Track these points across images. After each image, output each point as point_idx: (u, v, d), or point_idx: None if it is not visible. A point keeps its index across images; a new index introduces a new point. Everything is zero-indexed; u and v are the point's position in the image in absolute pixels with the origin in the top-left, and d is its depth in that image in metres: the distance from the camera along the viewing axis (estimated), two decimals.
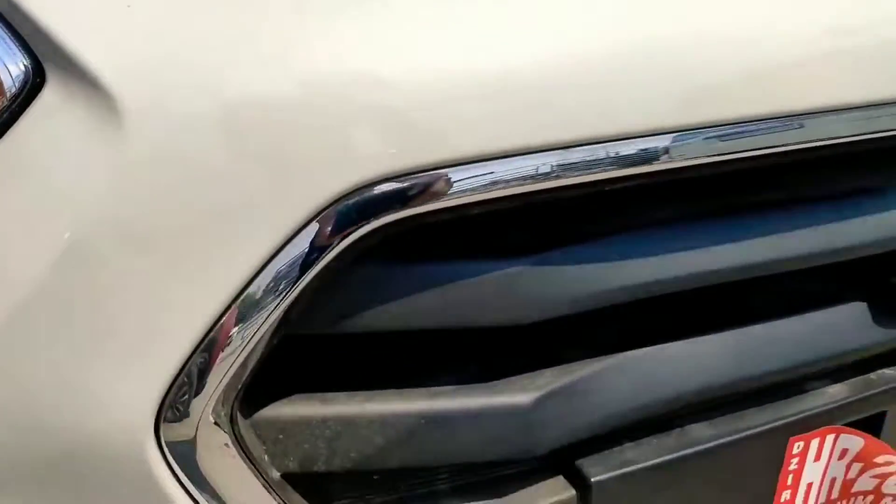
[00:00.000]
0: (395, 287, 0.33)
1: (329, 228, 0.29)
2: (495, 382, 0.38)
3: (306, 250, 0.29)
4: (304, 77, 0.30)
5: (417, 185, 0.30)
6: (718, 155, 0.36)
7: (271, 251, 0.29)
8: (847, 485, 0.51)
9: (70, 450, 0.30)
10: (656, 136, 0.34)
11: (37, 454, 0.30)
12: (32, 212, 0.29)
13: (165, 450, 0.31)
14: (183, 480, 0.31)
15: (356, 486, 0.39)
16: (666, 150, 0.35)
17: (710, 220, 0.40)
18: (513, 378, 0.39)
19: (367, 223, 0.30)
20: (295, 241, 0.29)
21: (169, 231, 0.29)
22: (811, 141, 0.38)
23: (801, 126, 0.38)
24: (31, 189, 0.29)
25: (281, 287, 0.30)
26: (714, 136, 0.36)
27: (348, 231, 0.30)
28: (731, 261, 0.40)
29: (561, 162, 0.33)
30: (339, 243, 0.30)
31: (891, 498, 0.52)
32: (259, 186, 0.29)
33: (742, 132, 0.36)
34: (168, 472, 0.31)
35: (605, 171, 0.34)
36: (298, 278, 0.30)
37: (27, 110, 0.29)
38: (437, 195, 0.31)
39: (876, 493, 0.52)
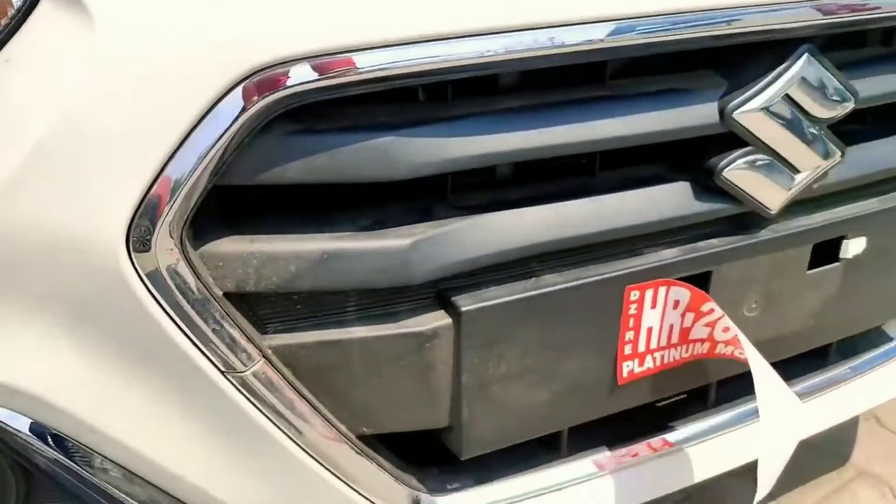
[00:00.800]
0: (299, 149, 0.47)
1: (242, 97, 0.43)
2: (382, 230, 0.52)
3: (227, 113, 0.43)
4: None
5: (308, 66, 0.43)
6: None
7: (201, 113, 0.42)
8: (684, 332, 0.65)
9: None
10: (494, 36, 0.47)
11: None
12: (34, 87, 0.42)
13: (134, 261, 0.44)
14: (147, 283, 0.45)
15: (282, 313, 0.53)
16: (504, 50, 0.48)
17: (550, 106, 0.53)
18: (398, 227, 0.52)
19: (271, 94, 0.43)
20: (219, 105, 0.42)
21: (129, 102, 0.42)
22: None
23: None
24: (33, 70, 0.42)
25: (209, 141, 0.43)
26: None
27: (256, 100, 0.43)
28: (566, 138, 0.53)
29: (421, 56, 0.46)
30: (250, 108, 0.43)
31: (723, 344, 0.66)
32: (191, 65, 0.42)
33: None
34: (136, 276, 0.44)
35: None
36: (222, 135, 0.43)
37: (31, 16, 0.42)
38: (322, 77, 0.44)
39: (710, 340, 0.66)
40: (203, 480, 0.54)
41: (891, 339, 0.86)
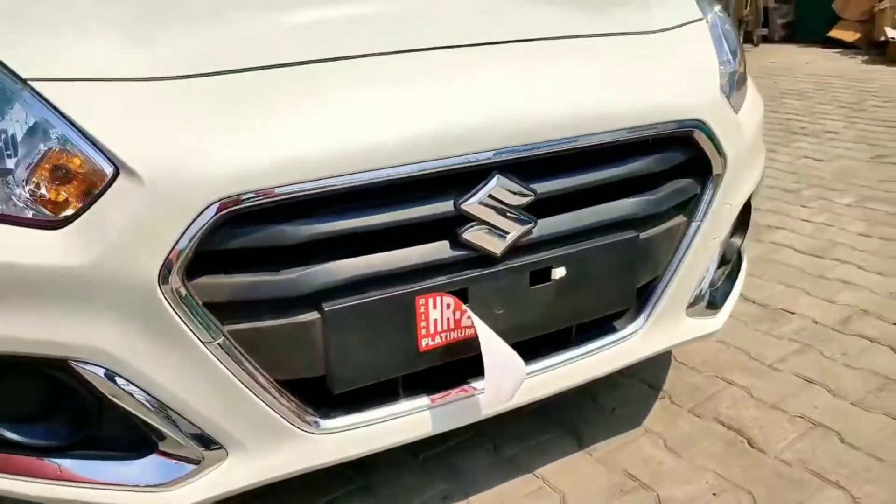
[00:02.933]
0: (236, 235, 1.00)
1: (212, 211, 0.96)
2: (281, 271, 1.05)
3: (203, 218, 0.96)
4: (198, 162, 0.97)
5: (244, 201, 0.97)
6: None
7: (192, 219, 0.95)
8: (457, 322, 1.18)
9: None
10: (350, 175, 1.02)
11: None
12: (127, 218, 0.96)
13: (161, 288, 0.97)
14: (168, 298, 0.97)
15: (230, 312, 1.05)
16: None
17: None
18: (291, 269, 1.05)
19: (225, 211, 0.96)
20: (201, 215, 0.96)
21: (160, 212, 0.96)
22: None
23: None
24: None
25: (194, 232, 0.96)
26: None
27: (217, 213, 0.96)
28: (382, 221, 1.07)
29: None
30: (214, 217, 0.96)
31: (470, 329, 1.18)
32: (187, 196, 0.96)
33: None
34: (162, 295, 0.97)
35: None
36: (200, 229, 0.96)
37: (109, 189, 0.96)
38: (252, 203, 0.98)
39: (470, 327, 1.19)
40: (186, 397, 1.04)
41: (616, 331, 1.40)
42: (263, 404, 1.09)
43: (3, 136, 0.97)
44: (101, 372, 1.02)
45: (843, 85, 5.73)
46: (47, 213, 0.97)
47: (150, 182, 0.95)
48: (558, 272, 1.23)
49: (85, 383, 1.03)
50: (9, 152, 0.97)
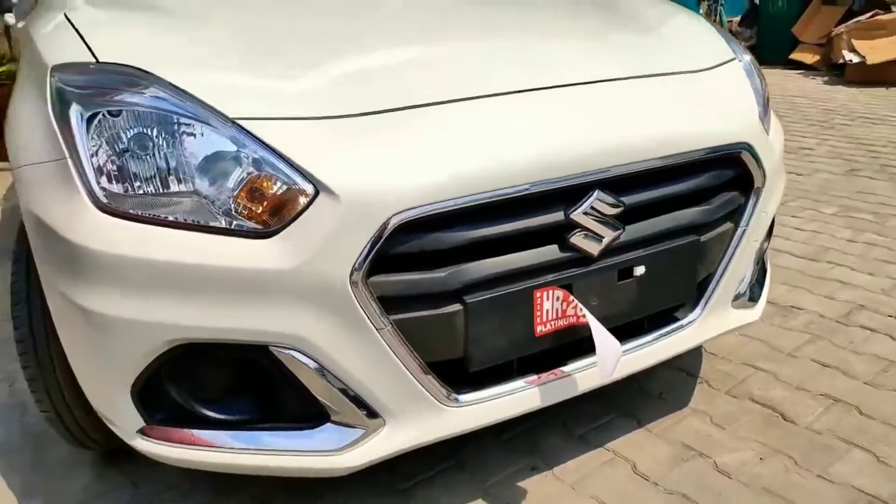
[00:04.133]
0: (409, 241, 1.25)
1: (390, 226, 1.20)
2: (432, 271, 1.29)
3: (383, 231, 1.20)
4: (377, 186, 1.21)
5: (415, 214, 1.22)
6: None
7: (375, 231, 1.20)
8: (563, 312, 1.43)
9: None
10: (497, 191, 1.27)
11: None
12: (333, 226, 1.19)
13: (350, 284, 1.20)
14: (353, 292, 1.21)
15: (394, 305, 1.28)
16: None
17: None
18: (439, 269, 1.30)
19: (398, 223, 1.21)
20: (381, 228, 1.20)
21: (353, 228, 1.19)
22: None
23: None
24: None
25: (377, 239, 1.20)
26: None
27: (391, 224, 1.20)
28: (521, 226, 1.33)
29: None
30: (391, 228, 1.20)
31: (580, 317, 1.44)
32: (370, 211, 1.20)
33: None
34: (350, 289, 1.21)
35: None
36: (381, 237, 1.20)
37: (311, 205, 1.20)
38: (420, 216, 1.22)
39: (575, 316, 1.44)
40: (359, 376, 1.28)
41: (678, 320, 1.67)
42: (416, 381, 1.33)
43: (221, 164, 1.21)
44: (297, 355, 1.24)
45: (808, 104, 6.16)
46: (260, 226, 1.20)
47: (345, 200, 1.19)
48: (639, 270, 1.49)
49: (280, 365, 1.25)
50: (229, 178, 1.21)
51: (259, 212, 1.21)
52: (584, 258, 1.43)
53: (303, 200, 1.20)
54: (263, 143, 1.21)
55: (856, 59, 6.94)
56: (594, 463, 1.75)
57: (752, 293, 1.81)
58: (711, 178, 1.56)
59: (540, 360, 1.48)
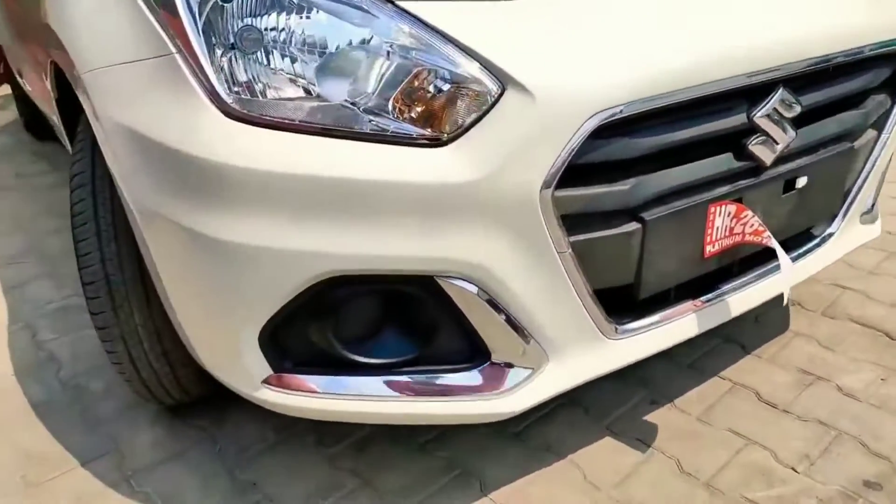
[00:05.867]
0: (601, 147, 1.05)
1: (587, 129, 1.00)
2: (615, 183, 1.11)
3: (580, 135, 1.00)
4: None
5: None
6: None
7: (570, 135, 1.00)
8: (731, 229, 1.28)
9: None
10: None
11: None
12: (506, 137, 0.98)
13: (538, 195, 1.01)
14: (540, 205, 1.02)
15: (573, 224, 1.10)
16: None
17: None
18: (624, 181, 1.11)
19: (595, 125, 1.01)
20: (577, 132, 1.00)
21: (553, 133, 0.99)
22: None
23: None
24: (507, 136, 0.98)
25: (573, 146, 1.00)
26: None
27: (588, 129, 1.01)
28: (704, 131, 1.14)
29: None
30: (588, 132, 1.01)
31: (750, 234, 1.29)
32: (565, 117, 0.99)
33: None
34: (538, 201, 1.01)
35: None
36: (578, 142, 1.00)
37: (496, 106, 0.98)
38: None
39: (741, 234, 1.29)
40: (531, 307, 1.10)
41: (818, 236, 1.54)
42: (586, 312, 1.16)
43: (378, 57, 0.98)
44: (467, 286, 1.05)
45: None
46: (432, 132, 0.99)
47: (540, 99, 0.98)
48: (801, 181, 1.34)
49: (443, 298, 1.06)
50: (390, 73, 0.98)
51: (429, 115, 0.99)
52: (754, 169, 1.27)
53: (486, 100, 0.99)
54: (432, 27, 0.98)
55: None
56: (715, 393, 1.63)
57: (873, 209, 1.70)
58: (871, 77, 1.40)
59: (697, 284, 1.33)
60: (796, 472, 1.40)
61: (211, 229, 1.00)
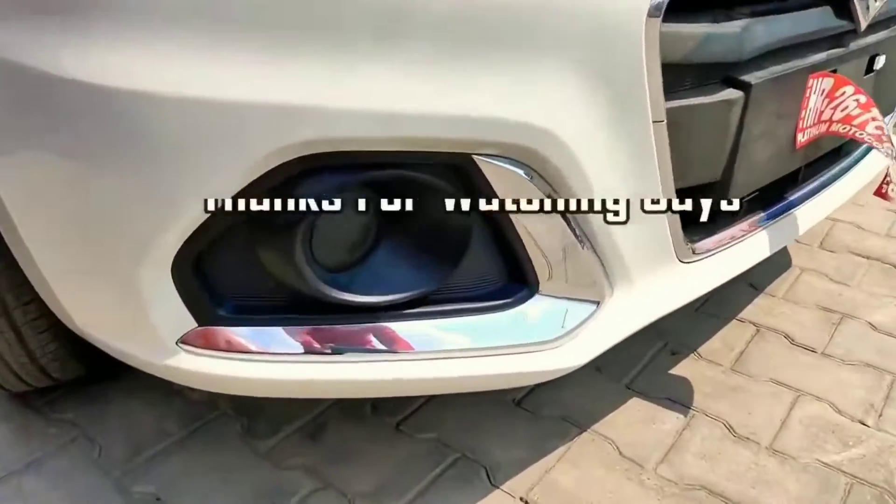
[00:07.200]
0: None
1: None
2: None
3: None
4: None
5: None
6: None
7: None
8: (821, 111, 0.96)
9: None
10: None
11: None
12: None
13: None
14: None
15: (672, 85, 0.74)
16: None
17: None
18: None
19: None
20: None
21: None
22: None
23: None
24: None
25: None
26: None
27: None
28: None
29: None
30: None
31: (839, 123, 0.98)
32: None
33: None
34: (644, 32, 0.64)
35: None
36: None
37: None
38: None
39: (830, 121, 0.98)
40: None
41: None
42: (667, 222, 0.81)
43: None
44: (519, 172, 0.67)
45: None
46: None
47: None
48: (880, 60, 1.06)
49: (480, 193, 0.67)
50: None
51: None
52: (845, 35, 0.96)
53: None
54: None
55: None
56: (741, 338, 1.35)
57: None
58: None
59: (767, 192, 1.01)
60: (866, 425, 1.13)
61: (84, 70, 0.55)
